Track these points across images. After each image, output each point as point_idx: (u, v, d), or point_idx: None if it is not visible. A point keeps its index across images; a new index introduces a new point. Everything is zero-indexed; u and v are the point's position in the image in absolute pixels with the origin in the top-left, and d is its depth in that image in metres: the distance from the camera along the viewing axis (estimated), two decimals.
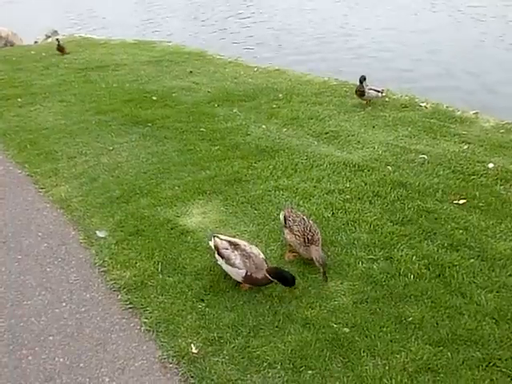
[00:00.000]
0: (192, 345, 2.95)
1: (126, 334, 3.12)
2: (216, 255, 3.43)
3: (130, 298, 3.40)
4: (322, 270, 3.35)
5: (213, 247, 3.48)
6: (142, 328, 3.15)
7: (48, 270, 3.80)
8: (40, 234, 4.29)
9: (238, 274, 3.25)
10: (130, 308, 3.33)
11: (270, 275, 3.16)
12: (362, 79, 6.41)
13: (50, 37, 13.01)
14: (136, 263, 3.73)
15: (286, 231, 3.62)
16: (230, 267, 3.29)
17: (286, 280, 3.14)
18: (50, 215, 4.57)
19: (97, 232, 4.18)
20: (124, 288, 3.50)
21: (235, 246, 3.35)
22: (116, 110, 7.03)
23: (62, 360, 2.99)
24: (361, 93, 6.48)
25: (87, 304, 3.41)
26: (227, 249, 3.35)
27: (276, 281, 3.17)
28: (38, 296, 3.52)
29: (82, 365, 2.95)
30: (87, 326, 3.21)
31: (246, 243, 3.40)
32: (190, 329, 3.08)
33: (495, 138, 5.55)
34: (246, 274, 3.20)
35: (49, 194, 4.93)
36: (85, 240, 4.13)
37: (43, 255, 3.98)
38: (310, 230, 3.49)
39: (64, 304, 3.43)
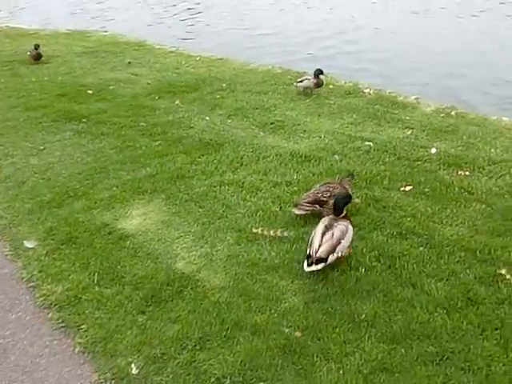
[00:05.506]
0: (132, 364, 2.70)
1: (57, 358, 2.80)
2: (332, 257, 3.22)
3: (62, 315, 3.08)
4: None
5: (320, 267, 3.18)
6: (76, 349, 2.85)
7: None
8: None
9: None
10: (63, 327, 3.01)
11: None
12: (318, 73, 6.27)
13: None
14: (69, 275, 3.41)
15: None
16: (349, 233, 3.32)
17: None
18: None
19: (24, 242, 3.81)
20: (55, 305, 3.17)
21: (329, 225, 3.31)
22: (47, 105, 6.57)
23: None
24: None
25: (12, 326, 3.05)
26: (330, 231, 3.26)
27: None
28: None
29: None
30: (12, 353, 2.86)
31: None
32: (130, 346, 2.82)
33: (436, 122, 5.61)
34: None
35: None
36: (11, 252, 3.75)
37: None
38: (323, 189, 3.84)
39: None
